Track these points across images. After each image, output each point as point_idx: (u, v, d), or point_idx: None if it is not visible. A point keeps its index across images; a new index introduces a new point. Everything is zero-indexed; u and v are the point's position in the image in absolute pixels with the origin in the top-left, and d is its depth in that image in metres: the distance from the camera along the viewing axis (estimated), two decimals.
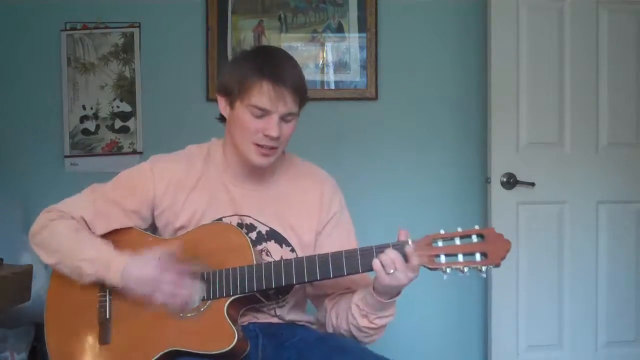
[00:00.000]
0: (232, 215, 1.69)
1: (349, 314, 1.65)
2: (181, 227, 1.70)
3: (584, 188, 2.94)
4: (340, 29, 3.07)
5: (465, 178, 3.10)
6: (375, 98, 3.07)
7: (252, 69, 1.59)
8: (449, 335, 3.10)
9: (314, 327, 1.80)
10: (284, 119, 1.61)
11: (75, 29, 3.03)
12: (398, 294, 1.59)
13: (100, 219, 1.69)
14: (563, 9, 2.91)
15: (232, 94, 1.63)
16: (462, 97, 3.10)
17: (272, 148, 1.63)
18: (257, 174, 1.71)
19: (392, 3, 3.07)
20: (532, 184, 2.87)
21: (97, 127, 3.04)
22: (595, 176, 2.95)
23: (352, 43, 3.06)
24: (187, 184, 1.70)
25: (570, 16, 2.91)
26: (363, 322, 1.63)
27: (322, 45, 3.06)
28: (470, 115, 3.09)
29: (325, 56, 3.06)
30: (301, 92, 1.63)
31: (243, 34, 3.04)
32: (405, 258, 1.52)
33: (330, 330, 1.73)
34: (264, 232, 1.70)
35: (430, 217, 3.10)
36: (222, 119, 1.72)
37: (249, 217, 1.70)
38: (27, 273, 2.17)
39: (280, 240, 1.70)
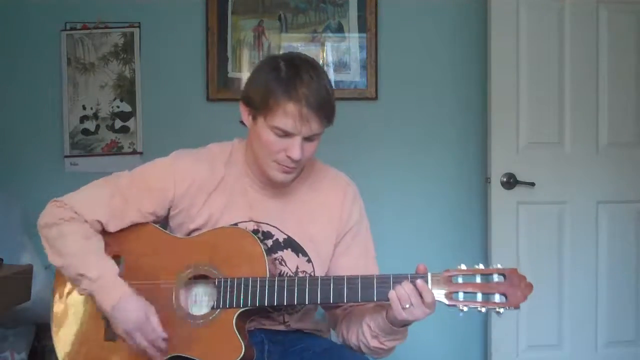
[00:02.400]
0: (248, 221, 1.65)
1: (359, 332, 1.63)
2: (195, 229, 1.66)
3: (584, 188, 2.94)
4: (340, 29, 3.06)
5: (465, 178, 3.10)
6: (375, 98, 3.07)
7: (277, 87, 1.51)
8: (449, 335, 3.10)
9: (320, 334, 1.78)
10: (308, 138, 1.56)
11: (75, 29, 3.03)
12: (411, 322, 1.55)
13: (115, 219, 1.64)
14: (563, 8, 2.91)
15: (256, 108, 1.56)
16: (462, 97, 3.10)
17: (293, 167, 1.59)
18: (277, 184, 1.66)
19: (392, 3, 3.07)
20: (532, 184, 2.87)
21: (97, 127, 3.04)
22: (595, 176, 2.95)
23: (352, 43, 3.06)
24: (208, 187, 1.65)
25: (570, 16, 2.91)
26: (373, 343, 1.61)
27: (322, 45, 3.06)
28: (470, 115, 3.09)
29: (325, 56, 3.06)
30: (327, 112, 1.56)
31: (243, 34, 3.04)
32: (420, 294, 1.48)
33: (340, 339, 1.71)
34: (281, 240, 1.66)
35: (430, 217, 3.10)
36: (244, 123, 1.65)
37: (267, 224, 1.66)
38: (27, 273, 2.17)
39: (297, 250, 1.66)
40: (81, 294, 1.61)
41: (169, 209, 1.68)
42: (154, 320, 1.54)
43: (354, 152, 3.05)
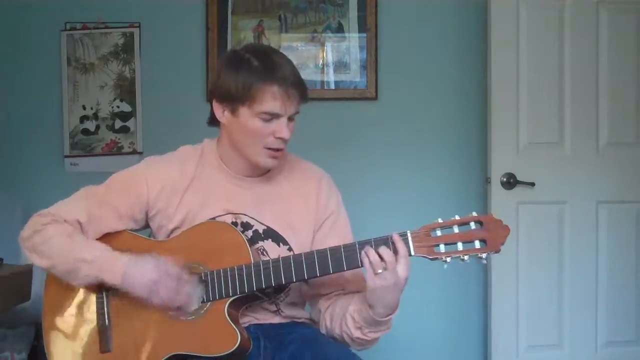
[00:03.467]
0: (225, 214, 1.68)
1: (342, 323, 1.64)
2: (175, 229, 1.69)
3: (584, 188, 2.94)
4: (340, 29, 3.07)
5: (465, 178, 3.10)
6: (375, 98, 3.07)
7: (257, 75, 1.57)
8: (449, 335, 3.10)
9: (313, 324, 1.79)
10: (290, 118, 1.62)
11: (75, 29, 3.03)
12: (395, 307, 1.56)
13: (93, 222, 1.67)
14: (563, 8, 2.91)
15: (235, 100, 1.60)
16: (462, 97, 3.10)
17: (281, 149, 1.63)
18: (253, 173, 1.70)
19: (392, 3, 3.07)
20: (532, 184, 2.87)
21: (97, 127, 3.04)
22: (595, 176, 2.95)
23: (352, 43, 3.06)
24: (180, 186, 1.68)
25: (570, 16, 2.91)
26: (357, 334, 1.62)
27: (322, 45, 3.07)
28: (470, 116, 3.09)
29: (325, 56, 3.06)
30: (304, 89, 1.63)
31: (243, 34, 3.05)
32: (395, 249, 1.50)
33: (323, 331, 1.72)
34: (260, 231, 1.69)
35: (430, 217, 3.09)
36: (212, 122, 1.71)
37: (245, 215, 1.69)
38: (27, 273, 2.17)
39: (278, 239, 1.69)
40: (83, 284, 1.61)
41: (147, 212, 1.70)
42: (170, 269, 1.56)
43: (354, 152, 3.05)
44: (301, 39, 3.06)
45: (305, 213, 1.72)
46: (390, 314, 1.57)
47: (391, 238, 1.52)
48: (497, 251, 1.51)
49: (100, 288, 1.65)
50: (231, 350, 1.53)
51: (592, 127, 2.95)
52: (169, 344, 1.58)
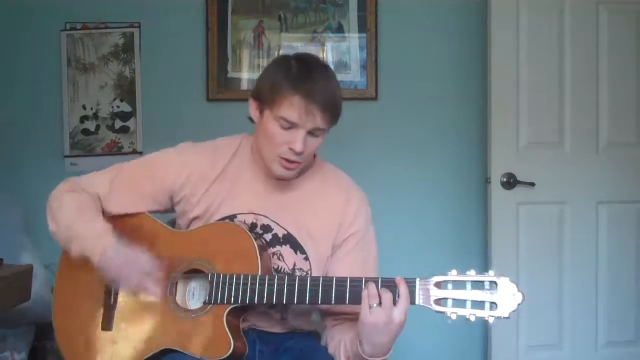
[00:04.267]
0: (247, 213, 1.66)
1: (337, 346, 1.63)
2: (195, 218, 1.68)
3: (584, 188, 2.94)
4: (340, 29, 3.06)
5: (465, 178, 3.10)
6: (375, 98, 3.07)
7: (285, 80, 1.55)
8: (449, 335, 3.10)
9: (315, 336, 1.77)
10: (311, 133, 1.58)
11: (75, 29, 3.03)
12: (383, 355, 1.52)
13: (114, 197, 1.69)
14: (563, 9, 2.91)
15: (264, 100, 1.60)
16: (462, 97, 3.10)
17: (295, 162, 1.60)
18: (279, 179, 1.67)
19: (392, 3, 3.07)
20: (532, 184, 2.87)
21: (97, 127, 3.04)
22: (595, 176, 2.95)
23: (352, 43, 3.06)
24: (209, 176, 1.68)
25: (570, 16, 2.91)
26: None
27: (322, 45, 3.06)
28: (470, 115, 3.09)
29: (325, 56, 3.06)
30: (332, 110, 1.58)
31: (243, 34, 3.04)
32: (398, 292, 1.46)
33: (323, 344, 1.71)
34: (280, 236, 1.66)
35: (430, 217, 3.10)
36: (251, 119, 1.68)
37: (267, 217, 1.67)
38: (27, 273, 2.17)
39: (296, 247, 1.66)
40: (75, 257, 1.63)
41: (172, 198, 1.71)
42: (141, 258, 1.58)
43: (354, 152, 3.05)
44: (301, 39, 3.06)
45: (327, 226, 1.68)
46: (378, 358, 1.51)
47: (396, 281, 1.48)
48: (507, 317, 1.45)
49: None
50: (222, 358, 1.52)
51: (592, 127, 2.95)
52: (165, 337, 1.58)
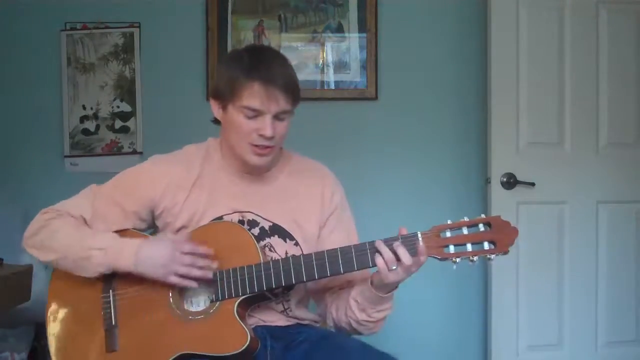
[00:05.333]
0: (232, 213, 1.69)
1: (347, 308, 1.66)
2: (181, 227, 1.69)
3: (584, 188, 2.94)
4: (340, 29, 3.06)
5: (465, 178, 3.10)
6: (375, 98, 3.07)
7: (241, 71, 1.58)
8: (449, 335, 3.10)
9: (317, 325, 1.80)
10: (277, 117, 1.61)
11: (75, 29, 3.03)
12: (396, 287, 1.61)
13: (98, 219, 1.68)
14: (563, 8, 2.91)
15: (224, 97, 1.63)
16: (462, 97, 3.10)
17: (268, 147, 1.63)
18: (254, 171, 1.71)
19: (392, 3, 3.07)
20: (532, 184, 2.87)
21: (97, 127, 3.04)
22: (595, 176, 2.95)
23: (352, 43, 3.06)
24: (186, 185, 1.69)
25: (570, 16, 2.91)
26: (361, 316, 1.65)
27: (322, 45, 3.06)
28: (470, 115, 3.09)
29: (325, 56, 3.06)
30: (293, 90, 1.62)
31: (243, 34, 3.04)
32: (415, 253, 1.53)
33: (330, 324, 1.74)
34: (267, 228, 1.69)
35: (430, 217, 3.08)
36: (217, 121, 1.72)
37: (251, 212, 1.69)
38: (27, 273, 2.17)
39: (284, 235, 1.70)
40: (95, 273, 1.61)
41: (153, 211, 1.71)
42: (183, 245, 1.58)
43: (354, 152, 3.05)
44: (301, 39, 3.06)
45: (310, 208, 1.73)
46: (392, 291, 1.61)
47: (409, 238, 1.55)
48: (506, 252, 1.52)
49: (107, 287, 1.65)
50: (241, 350, 1.53)
51: (592, 127, 2.95)
52: (176, 343, 1.57)
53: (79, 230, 1.64)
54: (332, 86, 3.07)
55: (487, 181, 2.90)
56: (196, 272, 1.57)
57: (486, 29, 2.90)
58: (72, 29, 3.03)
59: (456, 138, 3.11)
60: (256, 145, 1.62)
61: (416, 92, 3.09)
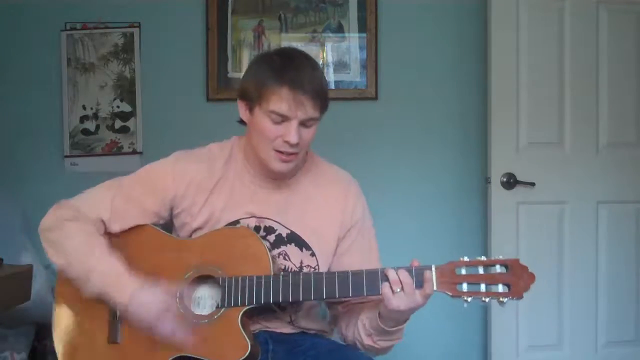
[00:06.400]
0: (249, 218, 1.66)
1: (355, 329, 1.64)
2: (197, 229, 1.67)
3: (584, 188, 2.94)
4: (340, 29, 3.06)
5: (465, 178, 3.10)
6: (375, 98, 3.07)
7: (270, 74, 1.55)
8: (449, 335, 3.10)
9: (325, 335, 1.78)
10: (304, 124, 1.58)
11: (75, 29, 3.03)
12: (405, 320, 1.57)
13: (117, 218, 1.65)
14: (563, 8, 2.91)
15: (252, 99, 1.59)
16: (462, 97, 3.10)
17: (292, 154, 1.60)
18: (277, 176, 1.68)
19: (392, 3, 3.07)
20: (532, 184, 2.87)
21: (97, 127, 3.04)
22: (595, 176, 2.95)
23: (352, 43, 3.06)
24: (207, 186, 1.67)
25: (570, 16, 2.91)
26: (367, 341, 1.63)
27: (322, 45, 3.06)
28: (470, 115, 3.09)
29: (325, 56, 3.06)
30: (321, 97, 1.58)
31: (243, 34, 3.05)
32: (422, 283, 1.49)
33: (340, 336, 1.72)
34: (284, 235, 1.67)
35: (430, 217, 3.10)
36: (243, 122, 1.68)
37: (269, 219, 1.67)
38: (27, 273, 2.17)
39: (301, 244, 1.67)
40: (89, 294, 1.59)
41: (172, 209, 1.69)
42: (169, 312, 1.54)
43: (354, 152, 3.05)
44: (301, 39, 3.06)
45: (330, 219, 1.70)
46: (401, 325, 1.58)
47: (422, 268, 1.51)
48: (520, 298, 1.49)
49: (107, 302, 1.62)
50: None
51: (592, 127, 2.95)
52: (178, 344, 1.56)
53: (90, 244, 1.59)
54: (332, 86, 3.06)
55: (487, 181, 2.90)
56: (180, 336, 1.54)
57: (486, 29, 2.90)
58: (72, 29, 3.03)
59: (456, 138, 3.11)
60: (280, 152, 1.59)
61: (416, 92, 3.09)
